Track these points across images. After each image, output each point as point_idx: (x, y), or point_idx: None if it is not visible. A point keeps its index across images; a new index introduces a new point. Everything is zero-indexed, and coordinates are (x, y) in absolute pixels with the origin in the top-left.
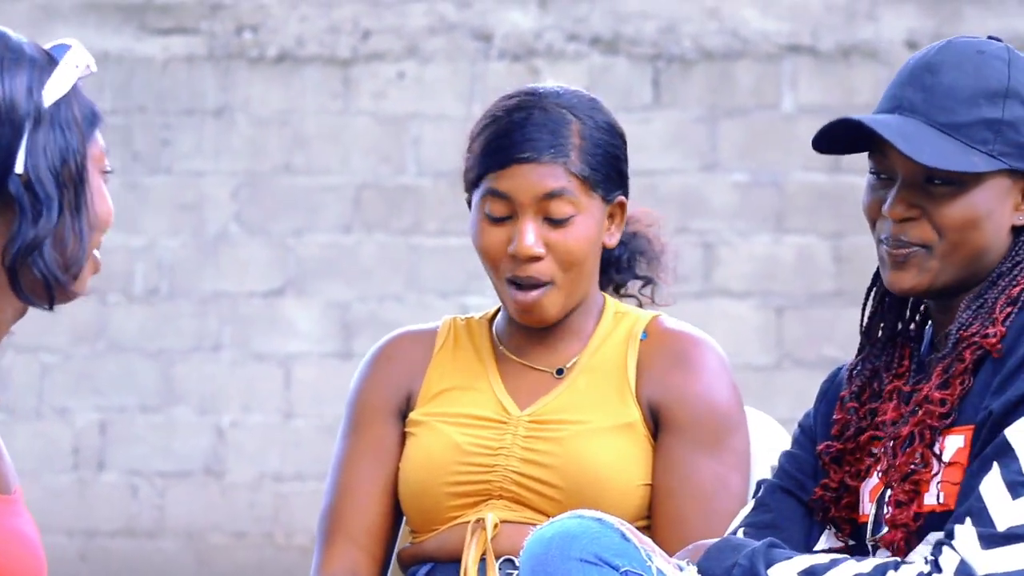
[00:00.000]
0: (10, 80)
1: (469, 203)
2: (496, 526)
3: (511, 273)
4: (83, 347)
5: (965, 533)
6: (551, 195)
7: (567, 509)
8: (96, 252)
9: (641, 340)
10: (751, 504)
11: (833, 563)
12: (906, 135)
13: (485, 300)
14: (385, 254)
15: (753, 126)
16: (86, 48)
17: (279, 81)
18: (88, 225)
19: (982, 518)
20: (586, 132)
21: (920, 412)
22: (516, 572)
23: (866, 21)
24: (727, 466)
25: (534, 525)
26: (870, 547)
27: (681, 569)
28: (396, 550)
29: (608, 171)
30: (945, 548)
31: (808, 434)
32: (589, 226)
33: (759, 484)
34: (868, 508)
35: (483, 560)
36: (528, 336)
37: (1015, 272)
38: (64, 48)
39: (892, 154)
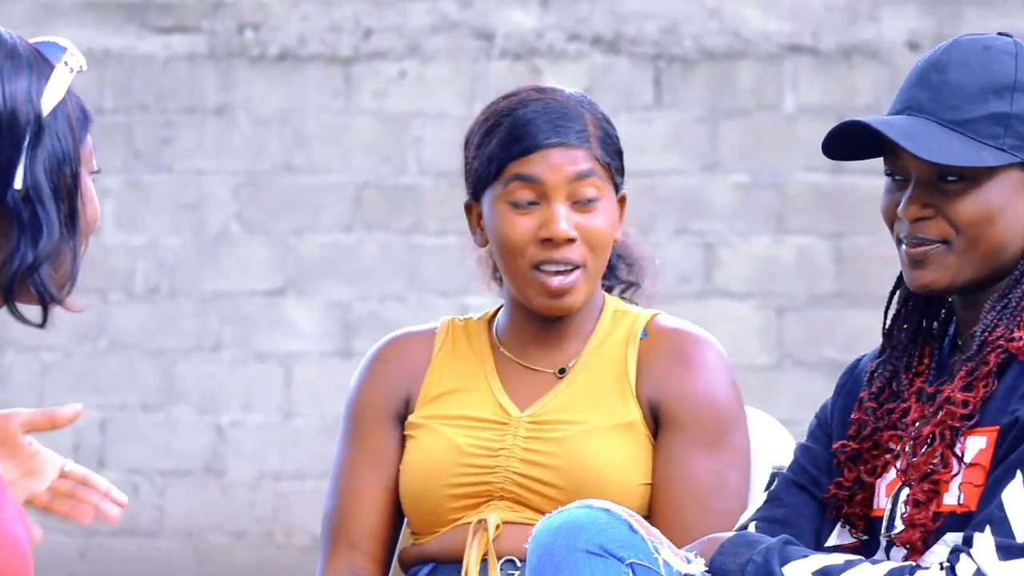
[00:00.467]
0: (10, 88)
1: (468, 208)
2: (498, 527)
3: (542, 258)
4: (84, 346)
5: (983, 542)
6: (581, 176)
7: None
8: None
9: (641, 339)
10: (764, 497)
11: (848, 564)
12: (912, 134)
13: (486, 300)
14: (386, 253)
15: (754, 126)
16: (87, 46)
17: (280, 80)
18: (81, 237)
19: (1002, 527)
20: (598, 123)
21: (942, 413)
22: (517, 573)
23: (867, 21)
24: (726, 464)
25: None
26: (883, 542)
27: (689, 561)
28: (397, 550)
29: (619, 163)
30: (962, 556)
31: (824, 428)
32: (611, 211)
33: (773, 476)
34: (884, 503)
35: (484, 561)
36: (528, 336)
37: None
38: (57, 49)
39: (903, 155)
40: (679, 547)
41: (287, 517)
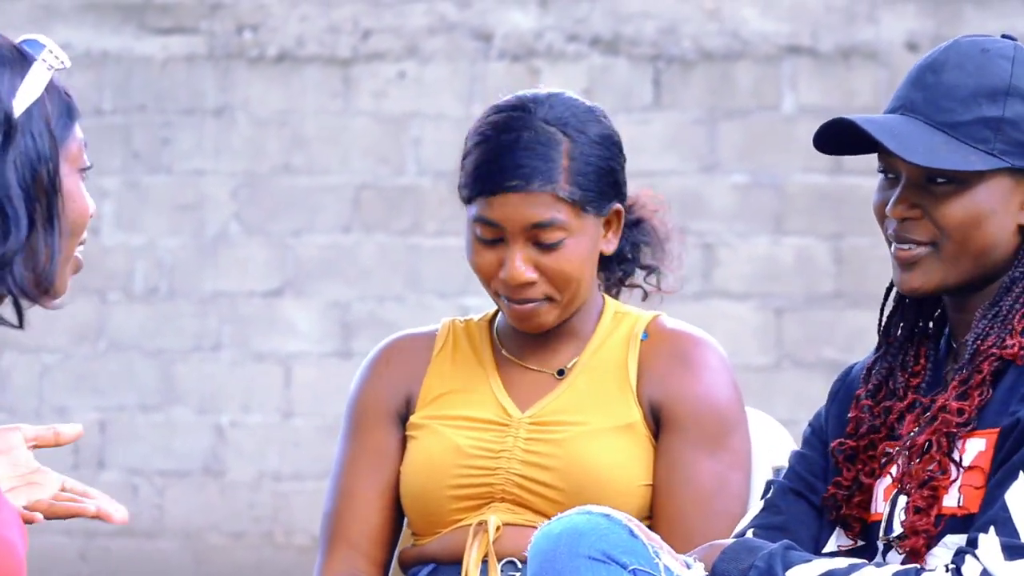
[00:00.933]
0: None
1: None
2: (498, 528)
3: (504, 292)
4: (83, 347)
5: (988, 543)
6: (540, 226)
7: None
8: (79, 251)
9: (642, 340)
10: (760, 505)
11: (852, 568)
12: (898, 134)
13: (485, 300)
14: (385, 254)
15: (753, 127)
16: (86, 47)
17: (279, 81)
18: (61, 235)
19: (1006, 528)
20: (576, 152)
21: (937, 422)
22: (518, 574)
23: (866, 22)
24: (728, 465)
25: (536, 527)
26: (881, 547)
27: (689, 566)
28: (397, 551)
29: (601, 186)
30: (968, 557)
31: (819, 434)
32: (581, 245)
33: (768, 485)
34: (881, 507)
35: (485, 562)
36: (528, 337)
37: None
38: (37, 46)
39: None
40: (683, 548)
41: (287, 518)
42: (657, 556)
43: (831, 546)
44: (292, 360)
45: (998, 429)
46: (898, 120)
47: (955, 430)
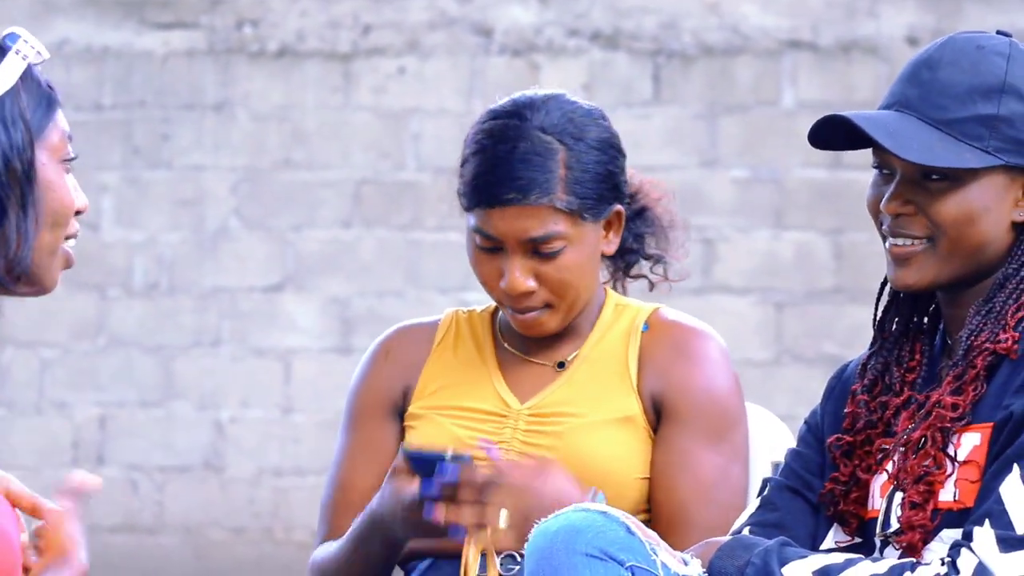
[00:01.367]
0: None
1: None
2: None
3: (506, 301)
4: (83, 342)
5: (983, 535)
6: (536, 240)
7: None
8: (69, 246)
9: (643, 332)
10: (757, 503)
11: (848, 563)
12: (893, 131)
13: (484, 296)
14: (385, 249)
15: (753, 122)
16: (87, 42)
17: (279, 76)
18: (37, 223)
19: (1001, 520)
20: (573, 160)
21: (932, 417)
22: (517, 568)
23: (866, 17)
24: (729, 458)
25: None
26: (878, 543)
27: (686, 563)
28: None
29: (600, 191)
30: (963, 550)
31: (815, 432)
32: (581, 252)
33: (765, 482)
34: (878, 503)
35: (483, 556)
36: None
37: (1023, 273)
38: (12, 38)
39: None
40: (684, 540)
41: (286, 513)
42: (654, 553)
43: (828, 543)
44: (292, 355)
45: (992, 423)
46: (893, 117)
47: (950, 425)
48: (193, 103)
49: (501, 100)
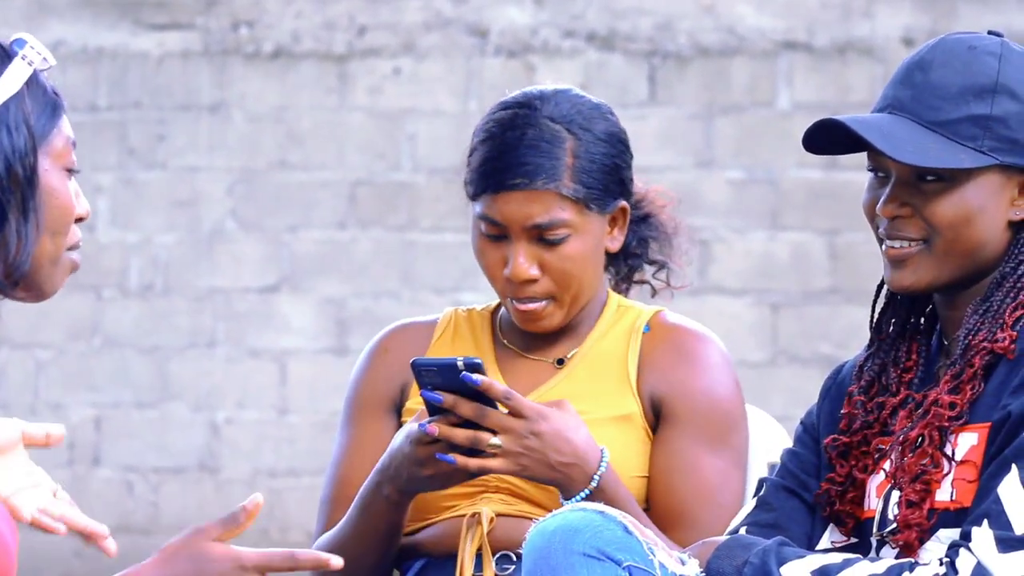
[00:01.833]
0: None
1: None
2: (492, 520)
3: (510, 291)
4: (78, 343)
5: (982, 535)
6: (541, 227)
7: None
8: (74, 252)
9: (644, 333)
10: (753, 503)
11: (846, 563)
12: (887, 134)
13: (480, 296)
14: (380, 250)
15: (748, 123)
16: (82, 43)
17: (274, 77)
18: (38, 228)
19: (1000, 520)
20: (581, 149)
21: (929, 416)
22: (513, 567)
23: (862, 18)
24: (729, 461)
25: (531, 519)
26: (874, 543)
27: (683, 563)
28: None
29: (606, 183)
30: (962, 550)
31: (811, 432)
32: (586, 243)
33: (761, 482)
34: (874, 503)
35: (479, 555)
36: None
37: (1020, 272)
38: (19, 43)
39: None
40: (685, 541)
41: (282, 514)
42: (652, 553)
43: (824, 543)
44: (287, 356)
45: (990, 423)
46: (887, 119)
47: (947, 424)
48: (188, 104)
49: (512, 93)
